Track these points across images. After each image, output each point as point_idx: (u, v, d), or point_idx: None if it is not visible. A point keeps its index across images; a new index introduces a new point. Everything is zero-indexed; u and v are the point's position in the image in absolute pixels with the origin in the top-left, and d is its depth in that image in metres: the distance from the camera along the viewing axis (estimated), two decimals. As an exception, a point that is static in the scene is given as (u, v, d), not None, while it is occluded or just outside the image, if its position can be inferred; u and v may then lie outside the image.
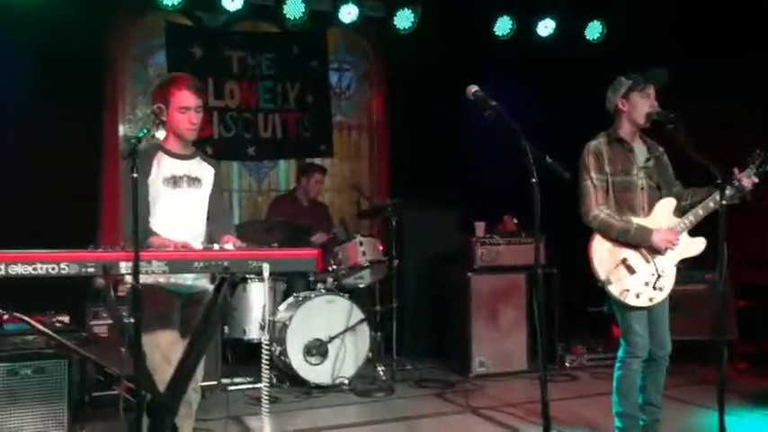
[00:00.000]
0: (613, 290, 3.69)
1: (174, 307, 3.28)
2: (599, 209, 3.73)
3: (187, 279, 3.26)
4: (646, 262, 3.73)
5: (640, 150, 3.85)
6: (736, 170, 3.62)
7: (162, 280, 3.15)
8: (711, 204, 3.69)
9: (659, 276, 3.71)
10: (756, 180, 3.65)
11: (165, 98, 3.24)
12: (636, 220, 3.73)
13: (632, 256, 3.73)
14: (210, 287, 3.39)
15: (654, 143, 3.91)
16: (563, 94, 6.83)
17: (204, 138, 6.52)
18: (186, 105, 3.26)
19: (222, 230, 3.38)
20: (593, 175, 3.77)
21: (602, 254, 3.74)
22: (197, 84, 3.34)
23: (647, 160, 3.84)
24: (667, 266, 3.74)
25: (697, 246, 3.80)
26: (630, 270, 3.72)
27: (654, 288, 3.71)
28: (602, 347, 5.99)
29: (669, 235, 3.70)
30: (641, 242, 3.69)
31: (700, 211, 3.72)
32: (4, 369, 3.79)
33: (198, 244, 3.24)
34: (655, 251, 3.71)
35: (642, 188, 3.80)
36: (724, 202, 3.49)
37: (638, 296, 3.70)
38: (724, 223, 3.41)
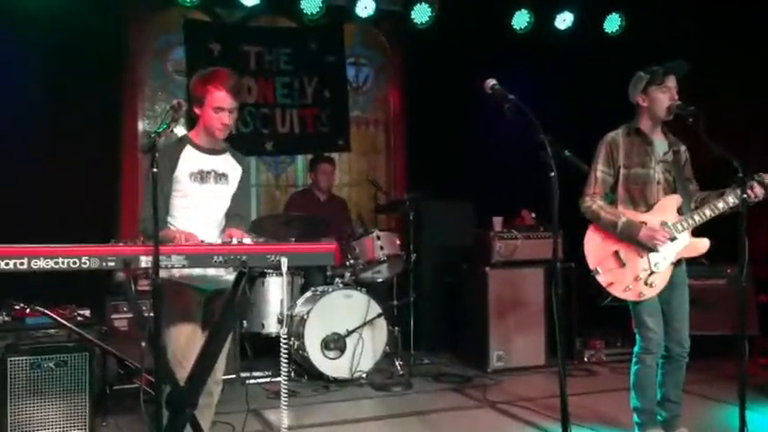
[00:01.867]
0: (601, 280, 3.70)
1: (195, 303, 3.29)
2: (593, 199, 3.75)
3: (210, 276, 3.25)
4: (639, 257, 3.70)
5: (660, 144, 3.82)
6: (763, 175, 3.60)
7: (183, 276, 3.16)
8: (720, 205, 3.66)
9: (652, 272, 3.68)
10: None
11: (202, 93, 3.25)
12: (628, 215, 3.70)
13: (625, 250, 3.71)
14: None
15: (676, 139, 3.87)
16: (581, 87, 6.78)
17: (222, 133, 6.56)
18: (220, 106, 3.24)
19: (232, 227, 3.34)
20: (599, 166, 3.78)
21: (595, 243, 3.76)
22: (235, 84, 3.30)
23: (666, 154, 3.81)
24: (662, 263, 3.70)
25: (700, 246, 3.77)
26: (620, 263, 3.70)
27: (645, 284, 3.68)
28: (621, 342, 5.95)
29: (657, 232, 3.64)
30: (628, 237, 3.68)
31: (706, 212, 3.69)
32: (26, 362, 3.83)
33: (215, 238, 3.24)
34: (649, 246, 3.68)
35: (658, 182, 3.78)
36: (745, 196, 3.45)
37: (625, 290, 3.68)
38: (744, 218, 3.38)
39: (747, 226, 3.36)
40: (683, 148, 3.87)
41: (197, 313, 3.30)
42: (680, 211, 3.75)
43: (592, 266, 3.72)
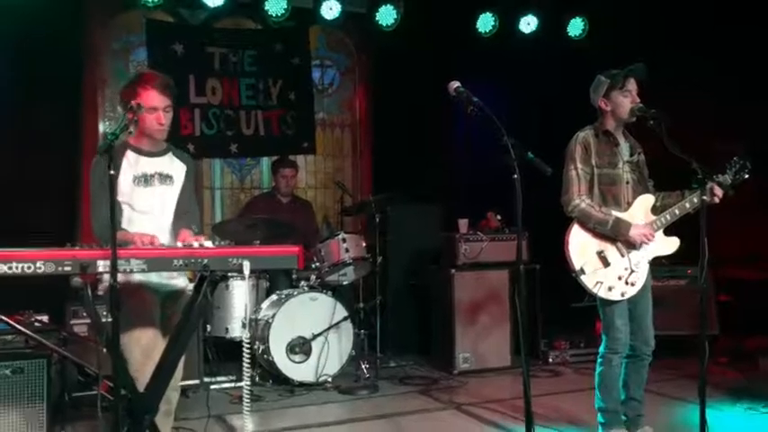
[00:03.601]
0: (586, 281, 3.70)
1: (153, 304, 3.25)
2: (580, 198, 3.75)
3: (164, 277, 3.23)
4: (621, 256, 3.75)
5: (625, 145, 3.88)
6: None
7: (140, 277, 3.12)
8: (687, 205, 3.74)
9: (632, 271, 3.74)
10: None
11: (132, 97, 3.17)
12: (615, 213, 3.75)
13: (608, 249, 3.75)
14: (189, 285, 3.37)
15: (635, 141, 3.94)
16: (545, 90, 6.84)
17: (186, 135, 6.49)
18: (154, 105, 3.20)
19: (181, 226, 3.31)
20: (578, 165, 3.78)
21: (579, 244, 3.75)
22: (164, 82, 3.27)
23: (632, 155, 3.88)
24: (641, 262, 3.77)
25: (671, 245, 3.84)
26: (605, 262, 3.74)
27: (626, 283, 3.73)
28: (585, 343, 6.01)
29: (646, 230, 3.73)
30: (618, 235, 3.72)
31: (676, 211, 3.76)
32: (-19, 370, 3.74)
33: (167, 240, 3.22)
34: (630, 246, 3.74)
35: (627, 182, 3.84)
36: (705, 198, 3.51)
37: (610, 289, 3.72)
38: (705, 219, 3.44)
39: (706, 227, 3.41)
40: (640, 148, 3.93)
41: (155, 315, 3.26)
42: (652, 211, 3.81)
43: (576, 267, 3.70)
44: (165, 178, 3.35)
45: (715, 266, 5.50)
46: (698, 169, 3.50)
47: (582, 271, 3.70)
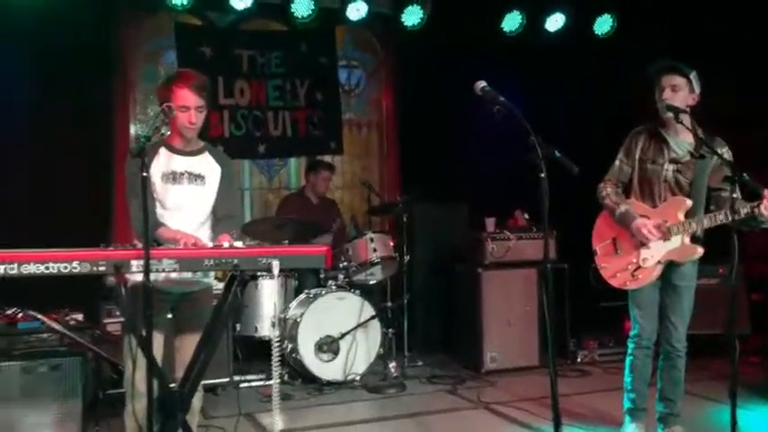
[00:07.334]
0: (597, 261, 3.92)
1: (161, 308, 3.24)
2: (604, 185, 3.91)
3: (176, 279, 3.21)
4: (632, 249, 3.81)
5: (679, 143, 3.76)
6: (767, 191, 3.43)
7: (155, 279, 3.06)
8: (720, 217, 3.57)
9: (639, 267, 3.77)
10: None
11: (167, 95, 3.24)
12: (635, 207, 3.77)
13: (623, 238, 3.84)
14: (208, 284, 3.39)
15: (715, 141, 3.69)
16: (572, 88, 6.79)
17: (215, 136, 6.56)
18: (185, 105, 3.24)
19: (223, 231, 3.32)
20: (620, 155, 3.93)
21: (600, 226, 3.96)
22: (200, 82, 3.29)
23: (684, 155, 3.74)
24: (650, 259, 3.76)
25: (690, 252, 3.74)
26: (616, 249, 3.86)
27: (631, 275, 3.79)
28: (614, 342, 5.97)
29: (649, 228, 3.68)
30: (624, 226, 3.80)
31: (705, 221, 3.65)
32: (19, 367, 3.83)
33: (203, 239, 3.23)
34: (640, 239, 3.75)
35: (665, 180, 3.77)
36: (735, 195, 3.41)
37: (613, 276, 3.84)
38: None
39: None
40: (719, 150, 3.62)
41: (161, 319, 3.25)
42: (687, 215, 3.70)
43: (593, 246, 3.93)
44: (196, 177, 3.36)
45: (747, 265, 5.44)
46: (728, 168, 3.43)
47: (595, 252, 3.92)
